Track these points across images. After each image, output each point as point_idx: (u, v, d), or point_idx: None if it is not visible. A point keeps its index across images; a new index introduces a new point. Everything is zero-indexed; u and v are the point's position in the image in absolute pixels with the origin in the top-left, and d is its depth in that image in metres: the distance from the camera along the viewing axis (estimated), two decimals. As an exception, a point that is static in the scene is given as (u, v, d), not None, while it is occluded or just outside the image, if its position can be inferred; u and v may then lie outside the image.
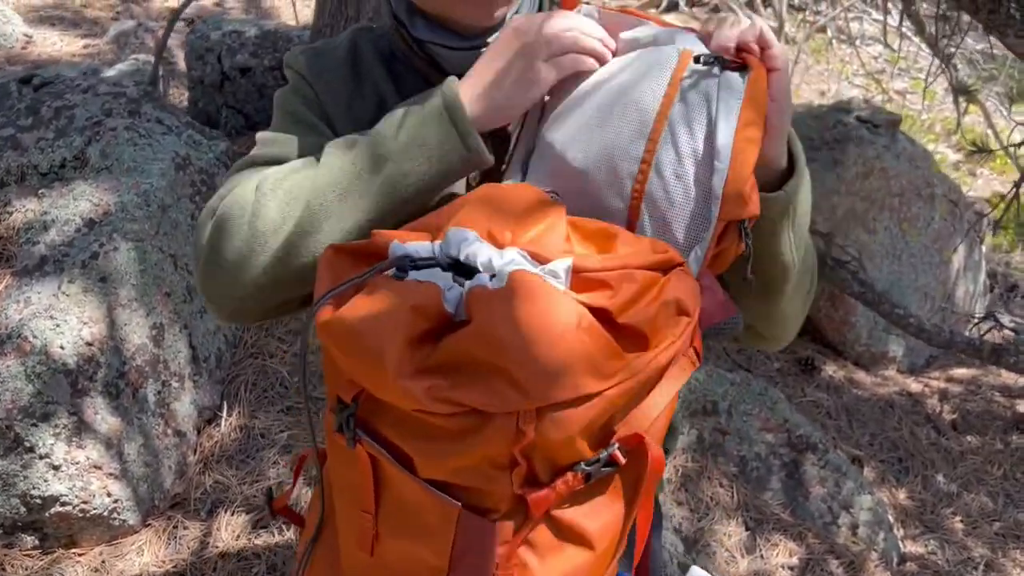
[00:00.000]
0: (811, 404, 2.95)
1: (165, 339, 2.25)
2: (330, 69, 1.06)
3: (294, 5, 4.10)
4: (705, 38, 0.89)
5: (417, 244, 0.82)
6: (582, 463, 0.77)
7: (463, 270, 0.78)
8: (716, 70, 0.86)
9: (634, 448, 0.78)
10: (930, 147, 6.50)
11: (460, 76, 1.01)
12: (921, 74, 8.27)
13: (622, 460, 0.78)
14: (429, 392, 0.73)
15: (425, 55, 1.02)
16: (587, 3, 0.98)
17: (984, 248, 3.70)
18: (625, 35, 0.94)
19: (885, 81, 7.90)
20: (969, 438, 3.09)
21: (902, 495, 2.76)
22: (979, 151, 2.48)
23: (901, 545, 2.55)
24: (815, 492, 2.54)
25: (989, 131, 5.13)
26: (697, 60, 0.87)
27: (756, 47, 0.87)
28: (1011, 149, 1.97)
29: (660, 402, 0.80)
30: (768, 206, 0.91)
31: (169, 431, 2.23)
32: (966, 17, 2.48)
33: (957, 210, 3.46)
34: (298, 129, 1.01)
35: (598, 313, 0.74)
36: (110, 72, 2.87)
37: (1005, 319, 2.89)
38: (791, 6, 8.28)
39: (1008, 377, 3.37)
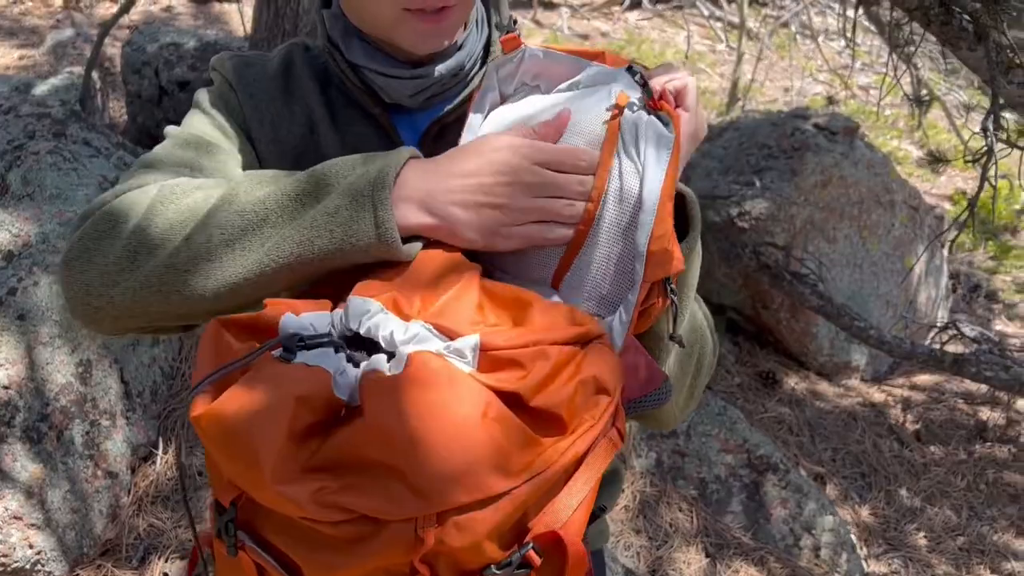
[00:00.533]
0: (773, 420, 2.89)
1: (93, 376, 2.14)
2: (259, 82, 0.97)
3: (241, 14, 3.97)
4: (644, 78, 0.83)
5: (313, 316, 0.74)
6: (492, 567, 0.70)
7: (363, 344, 0.71)
8: (644, 114, 0.81)
9: (551, 545, 0.71)
10: (893, 143, 6.50)
11: (396, 107, 0.94)
12: (884, 69, 8.31)
13: (537, 561, 0.70)
14: (315, 497, 0.66)
15: (360, 82, 0.93)
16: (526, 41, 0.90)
17: (946, 252, 3.66)
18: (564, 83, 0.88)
19: (848, 77, 7.90)
20: (932, 449, 3.05)
21: (865, 512, 2.71)
22: (937, 160, 2.43)
23: (864, 565, 2.50)
24: (776, 514, 2.48)
25: (951, 131, 5.11)
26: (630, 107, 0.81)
27: (672, 96, 0.83)
28: (969, 158, 1.92)
29: (579, 492, 0.72)
30: None
31: (99, 473, 2.12)
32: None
33: (917, 216, 3.41)
34: (214, 136, 0.93)
35: (507, 397, 0.66)
36: (41, 88, 2.74)
37: (966, 328, 2.85)
38: (754, 1, 8.26)
39: (971, 383, 3.33)
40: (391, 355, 0.69)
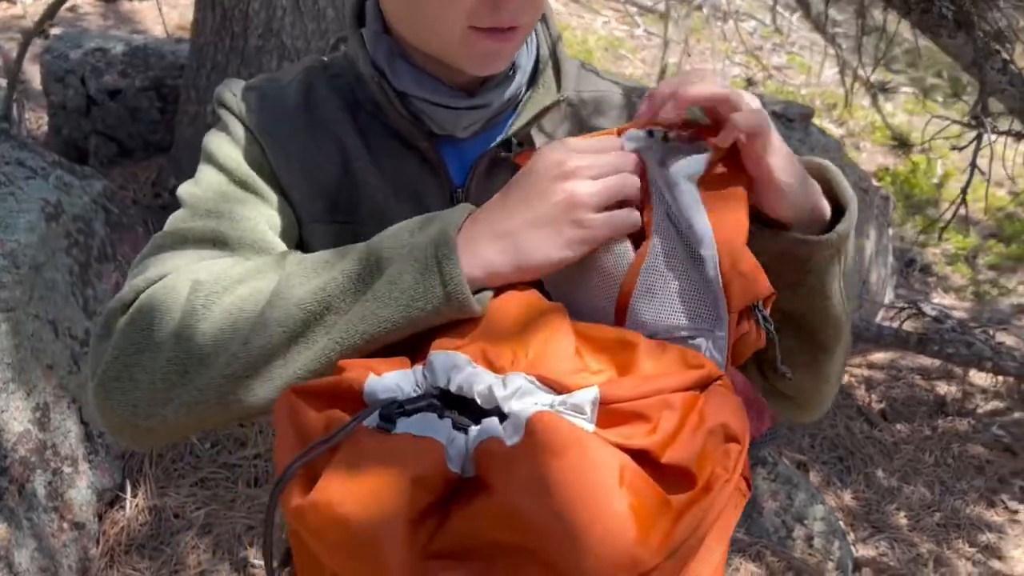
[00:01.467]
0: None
1: (51, 420, 1.95)
2: (280, 118, 0.84)
3: (161, 12, 3.73)
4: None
5: (396, 376, 0.65)
6: None
7: (453, 402, 0.63)
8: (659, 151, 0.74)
9: None
10: (814, 122, 6.65)
11: (447, 136, 0.83)
12: (795, 48, 8.50)
13: None
14: (445, 587, 0.58)
15: (407, 111, 0.82)
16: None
17: (891, 231, 3.75)
18: None
19: (764, 57, 8.05)
20: (899, 427, 3.11)
21: (848, 496, 2.74)
22: (901, 145, 2.45)
23: (854, 550, 2.52)
24: (768, 507, 2.47)
25: (871, 109, 5.26)
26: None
27: (708, 119, 0.73)
28: (957, 146, 1.94)
29: (714, 555, 0.65)
30: (816, 252, 0.77)
31: (65, 525, 1.94)
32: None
33: (867, 197, 3.47)
34: (237, 195, 0.80)
35: (638, 456, 0.59)
36: (-47, 103, 2.49)
37: (927, 307, 2.90)
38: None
39: (924, 358, 3.42)
40: (503, 416, 0.61)
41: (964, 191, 2.03)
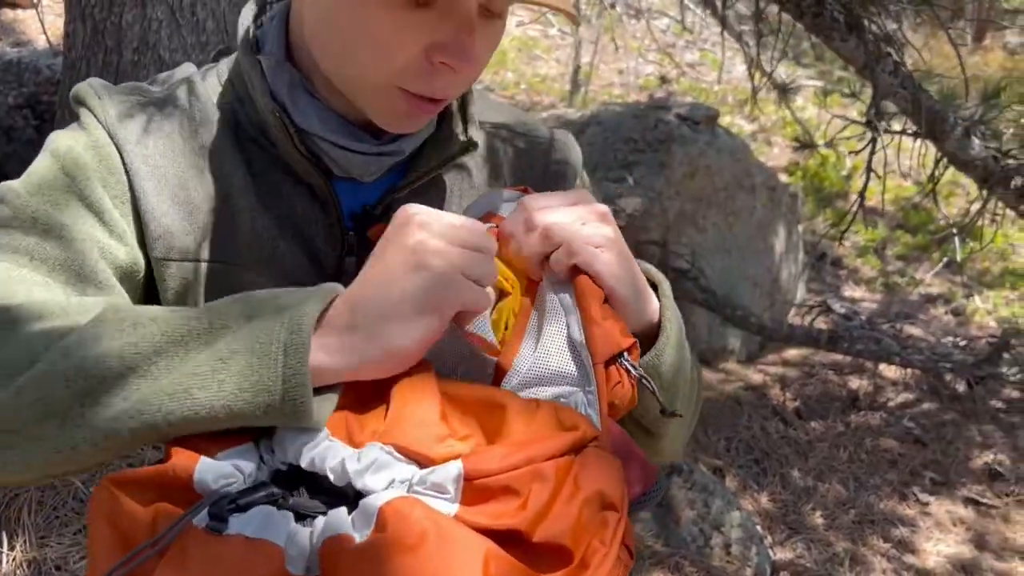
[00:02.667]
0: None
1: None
2: (155, 137, 0.72)
3: (42, 23, 3.52)
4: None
5: (233, 456, 0.57)
6: None
7: (304, 478, 0.57)
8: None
9: None
10: (726, 119, 6.73)
11: (347, 179, 0.75)
12: (708, 45, 8.61)
13: None
14: None
15: (307, 150, 0.72)
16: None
17: (801, 228, 3.79)
18: None
19: (676, 55, 8.13)
20: (813, 424, 3.14)
21: (764, 499, 2.74)
22: (804, 146, 2.46)
23: (772, 554, 2.52)
24: (685, 516, 2.45)
25: (779, 106, 5.34)
26: None
27: (563, 264, 0.67)
28: (853, 149, 1.94)
29: None
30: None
31: (-68, 589, 1.78)
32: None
33: (775, 195, 3.50)
34: (78, 211, 0.68)
35: (508, 536, 0.54)
36: None
37: (836, 305, 2.93)
38: (580, -15, 8.34)
39: (837, 355, 3.46)
40: (351, 503, 0.54)
41: (861, 194, 2.03)
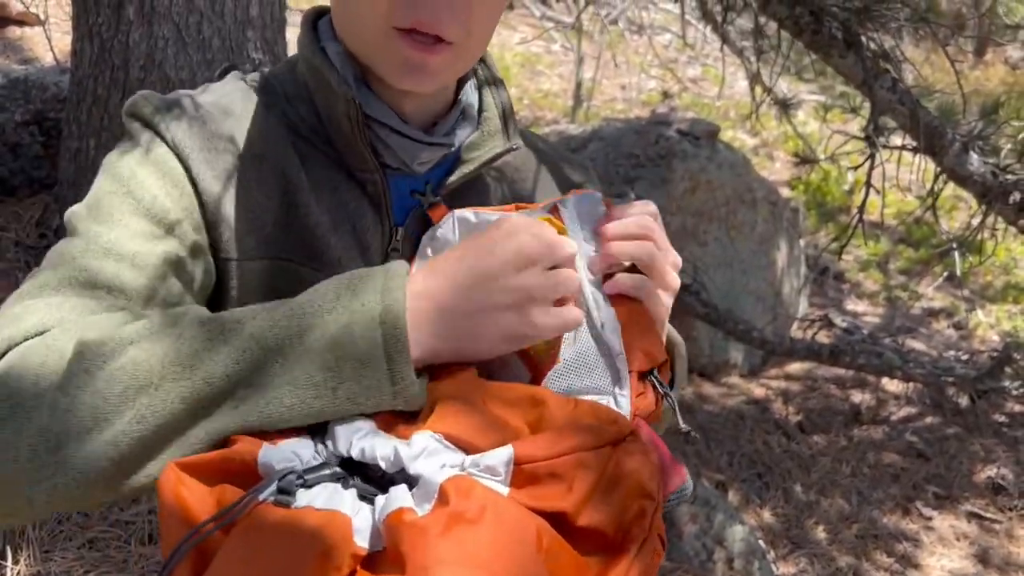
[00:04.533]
0: (669, 432, 2.87)
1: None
2: (215, 142, 0.74)
3: (49, 39, 3.56)
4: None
5: (293, 444, 0.60)
6: None
7: (357, 470, 0.60)
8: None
9: None
10: (728, 133, 6.76)
11: (396, 170, 0.79)
12: (710, 60, 8.65)
13: None
14: None
15: (366, 141, 0.77)
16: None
17: (803, 243, 3.79)
18: None
19: (678, 70, 8.17)
20: (816, 438, 3.14)
21: (767, 514, 2.74)
22: (804, 161, 2.48)
23: (774, 568, 2.52)
24: (688, 530, 2.44)
25: (780, 121, 5.36)
26: None
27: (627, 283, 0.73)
28: (832, 158, 1.96)
29: None
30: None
31: (-64, 602, 1.79)
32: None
33: (776, 210, 3.51)
34: (147, 230, 0.69)
35: (554, 519, 0.57)
36: None
37: (838, 319, 2.93)
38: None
39: (839, 368, 3.46)
40: (411, 482, 0.57)
41: (861, 209, 2.04)
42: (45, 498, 0.59)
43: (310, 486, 0.56)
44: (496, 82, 0.86)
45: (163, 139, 0.73)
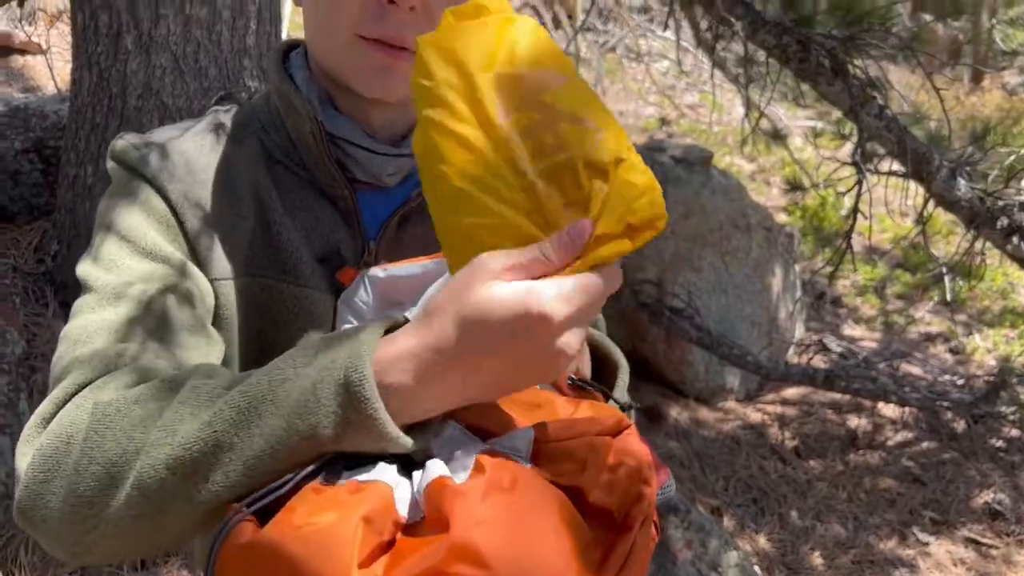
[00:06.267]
0: (664, 457, 2.87)
1: (-91, 514, 1.81)
2: (192, 175, 0.80)
3: (51, 67, 3.61)
4: None
5: None
6: None
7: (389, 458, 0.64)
8: None
9: None
10: (726, 159, 6.80)
11: (366, 185, 0.82)
12: (707, 86, 8.71)
13: None
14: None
15: (332, 158, 0.81)
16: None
17: (798, 268, 3.81)
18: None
19: (676, 97, 8.23)
20: (812, 463, 3.13)
21: (762, 539, 2.73)
22: (795, 188, 2.50)
23: (770, 595, 2.51)
24: (683, 556, 2.43)
25: (778, 146, 5.40)
26: None
27: None
28: (821, 185, 1.98)
29: None
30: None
31: (-74, 629, 1.79)
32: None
33: (771, 235, 3.53)
34: (146, 269, 0.76)
35: (569, 494, 0.62)
36: None
37: (832, 343, 2.94)
38: (582, 28, 8.47)
39: (835, 393, 3.46)
40: (447, 462, 0.62)
41: (848, 235, 2.06)
42: (102, 543, 0.64)
43: (351, 468, 0.60)
44: None
45: (148, 183, 0.79)
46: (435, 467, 0.60)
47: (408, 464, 0.62)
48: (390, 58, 0.76)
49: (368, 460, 0.61)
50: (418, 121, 0.63)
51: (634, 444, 0.66)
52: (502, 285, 0.56)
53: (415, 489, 0.60)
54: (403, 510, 0.59)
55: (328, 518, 0.56)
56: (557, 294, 0.56)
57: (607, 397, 0.78)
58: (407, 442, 0.60)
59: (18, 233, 2.82)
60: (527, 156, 0.59)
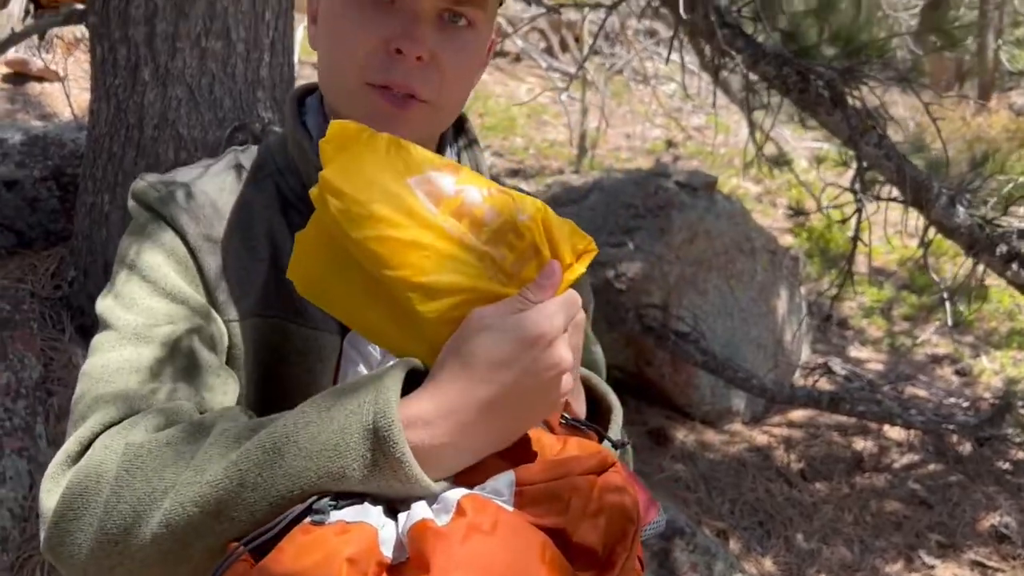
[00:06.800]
0: (670, 479, 2.89)
1: (-71, 536, 1.85)
2: (210, 218, 0.83)
3: (68, 95, 3.69)
4: None
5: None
6: None
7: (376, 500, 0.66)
8: None
9: None
10: (732, 182, 6.84)
11: None
12: (712, 109, 8.77)
13: None
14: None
15: None
16: None
17: (803, 290, 3.83)
18: None
19: (683, 119, 8.29)
20: (818, 486, 3.14)
21: (768, 563, 2.74)
22: (798, 213, 2.53)
23: (776, 617, 2.52)
24: (688, 579, 2.45)
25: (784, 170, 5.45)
26: None
27: None
28: (825, 209, 2.02)
29: None
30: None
31: (-56, 650, 1.82)
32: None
33: (776, 259, 3.56)
34: (167, 309, 0.78)
35: (552, 535, 0.64)
36: None
37: (837, 366, 2.96)
38: (588, 48, 8.55)
39: (840, 416, 3.48)
40: (431, 503, 0.65)
41: (849, 261, 2.10)
42: None
43: (340, 508, 0.63)
44: (473, 144, 0.94)
45: (168, 224, 0.82)
46: (419, 509, 0.62)
47: (395, 505, 0.64)
48: (397, 107, 0.79)
49: (357, 500, 0.63)
50: (349, 244, 0.66)
51: (619, 481, 0.67)
52: (494, 319, 0.64)
53: (400, 530, 0.62)
54: (388, 551, 0.61)
55: (314, 558, 0.59)
56: (543, 315, 0.65)
57: (601, 436, 0.80)
58: (431, 486, 0.63)
59: (35, 259, 2.88)
60: (469, 232, 0.66)
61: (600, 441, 0.80)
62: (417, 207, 0.66)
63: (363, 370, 0.84)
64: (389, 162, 0.68)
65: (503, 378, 0.64)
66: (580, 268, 0.71)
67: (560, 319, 0.66)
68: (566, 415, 0.78)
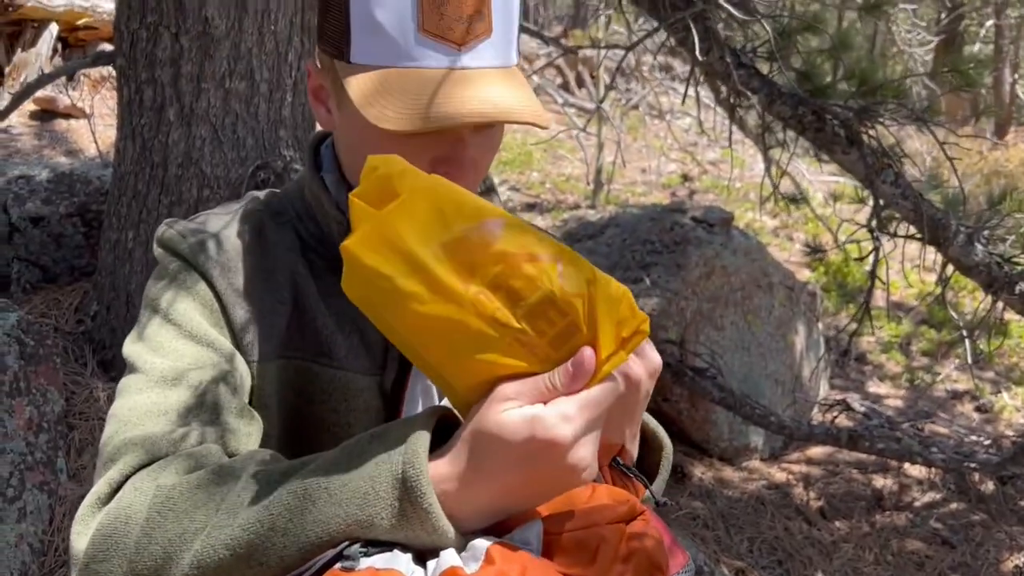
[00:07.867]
0: (688, 517, 2.87)
1: (-49, 571, 1.87)
2: (233, 263, 0.85)
3: (93, 132, 3.76)
4: None
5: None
6: None
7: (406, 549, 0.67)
8: None
9: None
10: (748, 215, 6.85)
11: None
12: (728, 143, 8.81)
13: None
14: None
15: None
16: None
17: (821, 326, 3.82)
18: None
19: (698, 153, 8.32)
20: (838, 524, 3.11)
21: (788, 603, 2.71)
22: (815, 251, 2.54)
23: (796, 659, 2.48)
24: (706, 619, 2.43)
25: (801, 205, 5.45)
26: None
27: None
28: (842, 244, 2.03)
29: None
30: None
31: None
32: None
33: (793, 294, 3.55)
34: (193, 352, 0.80)
35: None
36: None
37: (856, 403, 2.95)
38: (605, 86, 8.62)
39: (859, 453, 3.44)
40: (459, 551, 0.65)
41: (867, 299, 2.10)
42: None
43: (370, 555, 0.63)
44: (492, 192, 0.97)
45: (196, 270, 0.84)
46: (448, 556, 0.63)
47: (424, 553, 0.65)
48: (459, 174, 0.79)
49: (387, 547, 0.64)
50: (379, 322, 0.67)
51: (647, 530, 0.68)
52: (512, 411, 0.62)
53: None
54: None
55: None
56: (560, 418, 0.62)
57: (646, 487, 0.79)
58: (458, 538, 0.64)
59: (59, 294, 2.92)
60: (504, 307, 0.62)
61: (645, 489, 0.81)
62: (446, 280, 0.62)
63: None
64: (425, 223, 0.63)
65: (511, 480, 0.63)
66: (623, 357, 0.65)
67: (579, 422, 0.62)
68: (618, 459, 0.77)
